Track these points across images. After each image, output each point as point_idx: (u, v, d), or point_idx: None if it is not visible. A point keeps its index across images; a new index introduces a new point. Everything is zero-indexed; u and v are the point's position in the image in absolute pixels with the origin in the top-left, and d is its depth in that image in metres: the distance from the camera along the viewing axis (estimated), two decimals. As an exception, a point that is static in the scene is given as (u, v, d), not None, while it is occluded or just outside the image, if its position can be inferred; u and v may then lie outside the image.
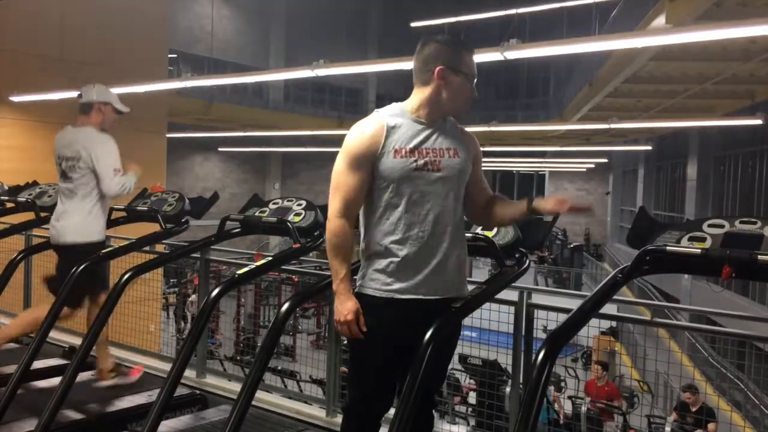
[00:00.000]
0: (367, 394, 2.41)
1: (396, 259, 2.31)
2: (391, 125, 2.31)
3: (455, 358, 3.74)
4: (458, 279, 2.40)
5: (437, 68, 2.30)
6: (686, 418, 7.31)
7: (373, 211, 2.36)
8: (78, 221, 3.85)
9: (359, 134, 2.32)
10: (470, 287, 2.51)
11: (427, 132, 2.33)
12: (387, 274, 2.32)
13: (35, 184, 4.90)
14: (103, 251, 3.69)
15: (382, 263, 2.33)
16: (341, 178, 2.35)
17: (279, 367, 9.05)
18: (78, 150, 3.82)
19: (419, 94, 2.35)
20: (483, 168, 2.56)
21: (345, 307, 2.30)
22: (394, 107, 2.38)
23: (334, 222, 2.34)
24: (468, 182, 2.43)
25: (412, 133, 2.32)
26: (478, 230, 2.77)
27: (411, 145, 2.30)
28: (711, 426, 7.23)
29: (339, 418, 3.76)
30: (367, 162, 2.30)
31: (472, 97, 2.36)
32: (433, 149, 2.32)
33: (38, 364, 4.04)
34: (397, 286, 2.31)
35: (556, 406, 8.43)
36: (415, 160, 2.29)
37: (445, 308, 2.33)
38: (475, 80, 2.36)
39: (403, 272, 2.31)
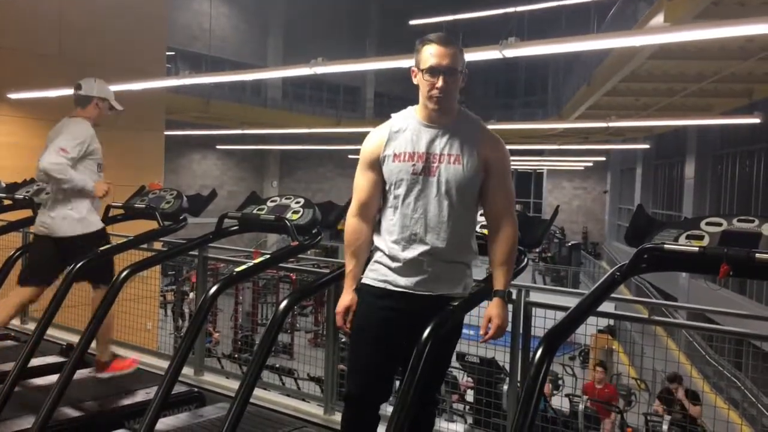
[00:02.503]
0: (360, 380, 2.47)
1: (393, 255, 2.39)
2: (395, 130, 2.41)
3: (453, 355, 3.74)
4: (452, 278, 2.42)
5: (411, 70, 2.41)
6: (672, 404, 7.29)
7: (383, 210, 2.48)
8: (74, 213, 3.84)
9: (367, 140, 2.49)
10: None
11: (431, 135, 2.38)
12: (385, 267, 2.42)
13: (33, 181, 4.90)
14: (101, 249, 3.69)
15: (382, 257, 2.43)
16: (356, 181, 2.51)
17: (277, 365, 9.06)
18: None
19: (419, 97, 2.41)
20: None
21: (341, 300, 2.50)
22: (407, 110, 2.47)
23: (348, 221, 2.52)
24: (482, 189, 2.42)
25: (415, 137, 2.38)
26: (476, 228, 2.77)
27: (410, 150, 2.37)
28: (695, 409, 7.21)
29: (337, 416, 3.76)
30: (374, 165, 2.44)
31: (435, 86, 2.31)
32: (433, 154, 2.36)
33: (36, 362, 4.04)
34: (392, 277, 2.40)
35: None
36: (413, 164, 2.36)
37: (441, 305, 2.36)
38: (436, 72, 2.30)
39: (398, 268, 2.39)
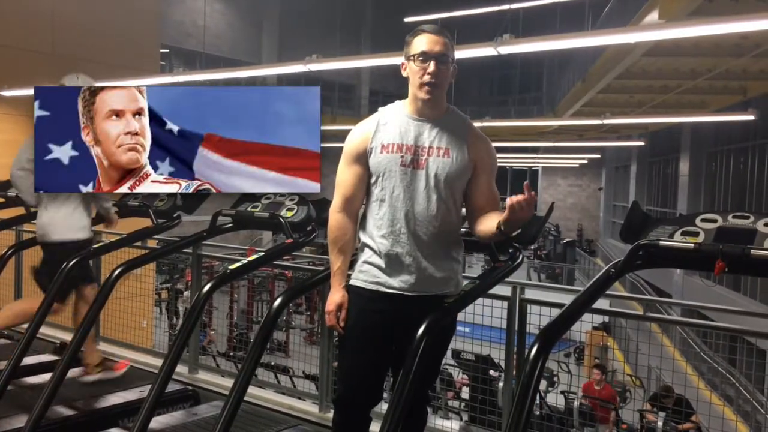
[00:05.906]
0: (352, 384, 2.43)
1: (383, 253, 2.34)
2: (383, 122, 2.37)
3: (448, 353, 3.74)
4: (444, 276, 2.38)
5: (401, 64, 2.38)
6: (665, 409, 7.26)
7: (367, 205, 2.42)
8: (62, 218, 3.82)
9: (353, 132, 2.42)
10: (464, 282, 2.49)
11: (419, 128, 2.35)
12: (375, 267, 2.36)
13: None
14: (94, 246, 3.67)
15: (372, 256, 2.37)
16: (339, 175, 2.43)
17: (272, 363, 9.03)
18: None
19: (409, 91, 2.39)
20: None
21: (330, 299, 2.41)
22: (395, 104, 2.43)
23: (332, 217, 2.44)
24: (467, 187, 2.39)
25: (403, 129, 2.34)
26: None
27: (399, 141, 2.33)
28: (693, 417, 7.19)
29: (331, 414, 3.75)
30: (360, 157, 2.38)
31: (427, 71, 2.28)
32: (422, 147, 2.33)
33: (29, 360, 4.02)
34: (383, 279, 2.35)
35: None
36: (402, 156, 2.32)
37: (435, 304, 2.33)
38: (427, 57, 2.27)
39: (389, 267, 2.34)
